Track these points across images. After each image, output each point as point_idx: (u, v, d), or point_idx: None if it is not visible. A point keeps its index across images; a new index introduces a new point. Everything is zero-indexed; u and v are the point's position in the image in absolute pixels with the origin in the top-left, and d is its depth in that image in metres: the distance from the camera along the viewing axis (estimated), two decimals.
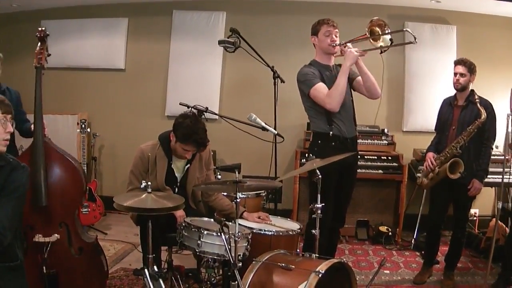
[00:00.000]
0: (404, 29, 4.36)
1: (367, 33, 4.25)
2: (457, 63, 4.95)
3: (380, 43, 4.26)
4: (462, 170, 4.76)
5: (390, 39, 4.26)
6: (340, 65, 4.52)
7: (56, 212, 3.86)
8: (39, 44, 4.10)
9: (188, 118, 4.21)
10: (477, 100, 4.77)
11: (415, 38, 4.08)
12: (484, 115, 4.69)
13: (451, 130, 5.00)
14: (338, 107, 4.30)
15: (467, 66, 4.85)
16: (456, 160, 4.79)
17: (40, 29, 4.12)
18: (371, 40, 4.26)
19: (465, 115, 4.88)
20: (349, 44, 4.35)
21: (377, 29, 4.26)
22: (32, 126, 4.01)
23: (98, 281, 4.06)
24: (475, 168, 4.85)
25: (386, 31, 4.24)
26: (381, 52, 4.38)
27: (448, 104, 5.12)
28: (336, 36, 4.41)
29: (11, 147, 4.67)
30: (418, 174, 5.27)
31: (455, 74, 4.91)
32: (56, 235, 3.81)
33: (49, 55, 4.15)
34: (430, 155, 5.11)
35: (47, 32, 4.15)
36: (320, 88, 4.33)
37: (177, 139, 4.18)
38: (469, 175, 4.83)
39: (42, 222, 3.82)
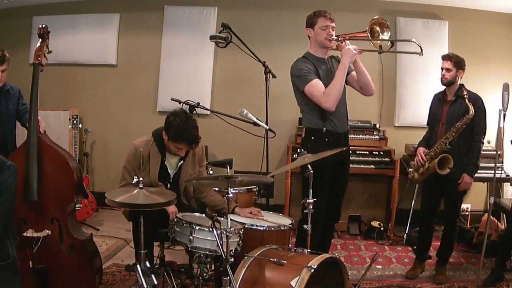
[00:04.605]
0: (411, 40, 4.12)
1: (367, 32, 4.12)
2: (443, 58, 4.99)
3: (377, 42, 4.16)
4: (451, 165, 4.78)
5: (391, 42, 4.23)
6: (334, 57, 4.51)
7: (48, 208, 3.86)
8: (39, 41, 4.11)
9: (178, 116, 4.16)
10: (465, 95, 4.79)
11: (421, 50, 4.06)
12: (472, 111, 4.71)
13: (440, 126, 5.02)
14: (334, 107, 4.22)
15: (453, 61, 4.88)
16: (445, 156, 4.81)
17: (40, 26, 4.13)
18: (371, 40, 4.14)
19: (453, 110, 4.91)
20: (347, 41, 4.28)
21: (377, 28, 4.15)
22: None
23: (89, 279, 4.03)
24: (465, 163, 4.87)
25: (386, 31, 4.16)
26: (380, 53, 4.32)
27: (437, 100, 5.16)
28: (333, 30, 4.31)
29: (12, 145, 4.70)
30: (410, 169, 5.28)
31: (442, 69, 4.94)
32: (47, 230, 3.80)
33: (50, 52, 4.16)
34: (421, 150, 5.14)
35: (48, 30, 4.18)
36: (316, 85, 4.23)
37: (169, 138, 4.17)
38: (459, 170, 4.85)
39: (34, 216, 3.82)
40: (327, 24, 4.26)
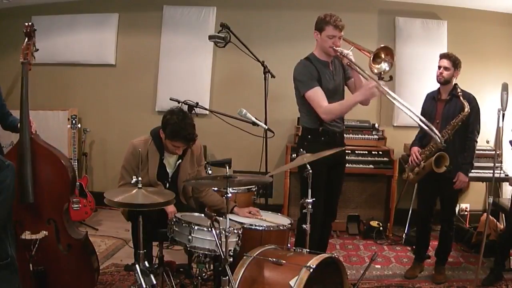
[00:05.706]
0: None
1: (372, 54, 4.08)
2: (442, 56, 4.98)
3: (376, 67, 4.14)
4: (447, 163, 4.78)
5: (390, 76, 4.21)
6: (337, 58, 4.49)
7: (43, 209, 3.84)
8: (26, 39, 4.06)
9: (175, 114, 4.17)
10: (459, 93, 4.82)
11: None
12: (467, 108, 4.73)
13: (435, 124, 4.97)
14: (330, 121, 4.35)
15: (451, 61, 4.87)
16: (442, 154, 4.81)
17: (26, 24, 4.07)
18: (371, 61, 4.08)
19: (448, 109, 4.91)
20: (372, 78, 4.19)
21: (382, 55, 4.13)
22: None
23: (88, 278, 4.03)
24: (460, 162, 4.88)
25: (388, 63, 4.13)
26: (379, 79, 4.28)
27: (431, 98, 5.15)
28: (340, 39, 4.29)
29: None
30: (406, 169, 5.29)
31: (439, 67, 4.94)
32: (44, 232, 3.79)
33: (36, 50, 4.09)
34: (415, 149, 5.13)
35: (34, 27, 4.11)
36: (317, 93, 4.26)
37: (166, 137, 4.17)
38: (454, 169, 4.85)
39: (30, 218, 3.80)
40: (334, 34, 4.24)
